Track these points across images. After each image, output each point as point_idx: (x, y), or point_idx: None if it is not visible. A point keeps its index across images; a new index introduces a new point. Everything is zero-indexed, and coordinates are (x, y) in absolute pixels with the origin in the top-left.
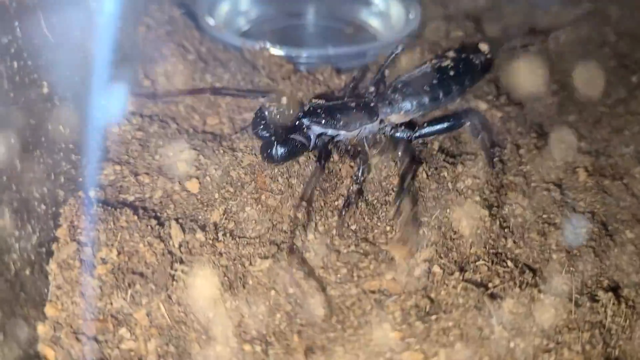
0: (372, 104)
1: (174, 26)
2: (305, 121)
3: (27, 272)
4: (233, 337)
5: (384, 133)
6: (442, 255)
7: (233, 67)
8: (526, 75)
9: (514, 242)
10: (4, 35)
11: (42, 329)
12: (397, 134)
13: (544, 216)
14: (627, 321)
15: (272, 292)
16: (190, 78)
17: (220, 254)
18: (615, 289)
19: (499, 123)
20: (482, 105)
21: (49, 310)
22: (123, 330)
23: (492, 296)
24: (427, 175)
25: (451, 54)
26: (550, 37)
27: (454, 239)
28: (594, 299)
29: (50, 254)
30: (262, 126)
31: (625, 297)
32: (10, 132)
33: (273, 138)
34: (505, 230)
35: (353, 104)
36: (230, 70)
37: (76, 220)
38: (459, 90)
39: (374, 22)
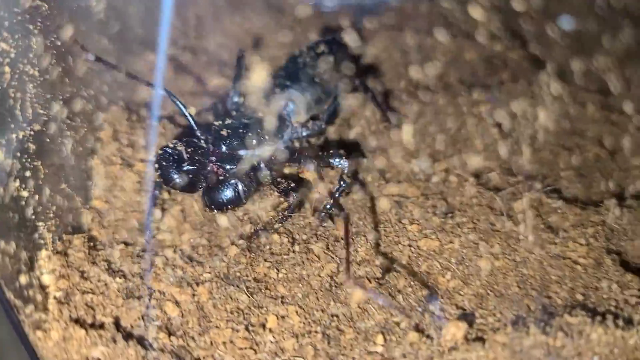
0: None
1: None
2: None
3: (79, 165)
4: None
5: (297, 137)
6: (457, 166)
7: (259, 8)
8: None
9: (527, 160)
10: None
11: (88, 216)
12: (309, 132)
13: (555, 140)
14: (630, 225)
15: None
16: (218, 21)
17: None
18: (620, 196)
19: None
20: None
21: (94, 201)
22: (161, 223)
23: (503, 198)
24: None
25: (319, 39)
26: None
27: (469, 153)
28: (598, 204)
29: (95, 152)
30: (181, 169)
31: (628, 205)
32: None
33: (221, 179)
34: (515, 148)
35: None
36: (256, 11)
37: (118, 125)
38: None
39: None
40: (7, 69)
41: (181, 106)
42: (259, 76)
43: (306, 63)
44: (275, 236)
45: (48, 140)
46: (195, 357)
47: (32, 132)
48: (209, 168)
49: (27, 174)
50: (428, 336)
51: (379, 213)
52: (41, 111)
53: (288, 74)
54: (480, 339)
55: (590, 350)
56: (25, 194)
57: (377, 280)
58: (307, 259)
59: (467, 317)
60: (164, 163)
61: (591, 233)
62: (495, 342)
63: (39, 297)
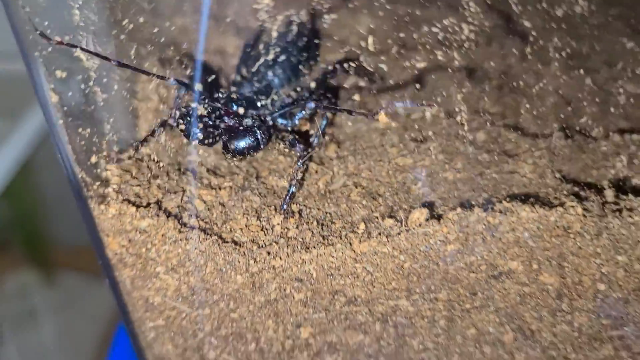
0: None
1: None
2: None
3: (126, 99)
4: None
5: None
6: (433, 109)
7: None
8: None
9: (492, 103)
10: None
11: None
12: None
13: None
14: (572, 152)
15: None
16: None
17: None
18: (566, 130)
19: None
20: None
21: (138, 127)
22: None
23: (469, 130)
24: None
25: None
26: None
27: (444, 97)
28: (547, 136)
29: (137, 91)
30: (200, 126)
31: (573, 138)
32: None
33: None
34: (483, 94)
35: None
36: None
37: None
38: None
39: None
40: (76, 11)
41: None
42: None
43: (280, 44)
44: (281, 157)
45: (104, 74)
46: (219, 235)
47: (94, 64)
48: (225, 123)
49: (90, 97)
50: (398, 220)
51: (366, 140)
52: (99, 48)
53: (269, 55)
54: (437, 218)
55: (521, 226)
56: (88, 108)
57: (362, 186)
58: (306, 172)
59: (428, 205)
60: (186, 120)
61: (537, 156)
62: (448, 219)
63: (103, 175)
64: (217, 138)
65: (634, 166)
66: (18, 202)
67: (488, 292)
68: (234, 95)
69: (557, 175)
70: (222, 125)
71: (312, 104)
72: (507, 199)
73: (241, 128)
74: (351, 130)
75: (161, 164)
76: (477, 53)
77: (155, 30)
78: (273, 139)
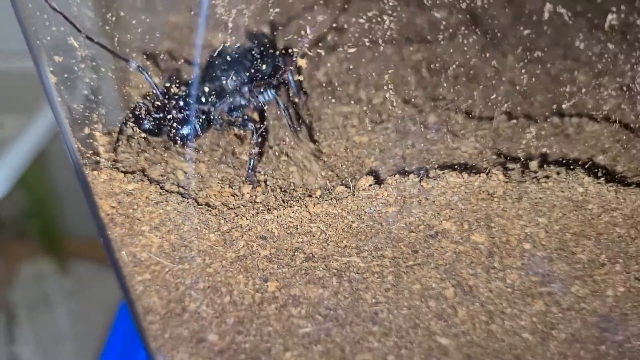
0: None
1: None
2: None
3: (116, 83)
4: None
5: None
6: (392, 95)
7: None
8: None
9: (447, 90)
10: None
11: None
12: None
13: (473, 73)
14: (514, 132)
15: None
16: None
17: None
18: (510, 113)
19: None
20: None
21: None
22: None
23: (422, 112)
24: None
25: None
26: None
27: (406, 85)
28: (492, 118)
29: (128, 79)
30: (150, 119)
31: (516, 120)
32: None
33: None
34: (439, 82)
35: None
36: None
37: (145, 64)
38: None
39: None
40: (75, 9)
41: (148, 77)
42: None
43: (239, 52)
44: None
45: (100, 62)
46: (195, 199)
47: (90, 53)
48: (171, 115)
49: (86, 80)
50: (348, 187)
51: (330, 122)
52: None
53: (225, 61)
54: (379, 184)
55: (450, 190)
56: (85, 90)
57: (323, 160)
58: (264, 145)
59: (373, 174)
60: (137, 113)
61: (481, 135)
62: (387, 184)
63: (95, 145)
64: (163, 128)
65: (562, 141)
66: (34, 195)
67: (427, 250)
68: (181, 92)
69: (494, 150)
70: (167, 117)
71: (246, 88)
72: (439, 168)
73: (181, 118)
74: (317, 114)
75: (148, 140)
76: (438, 46)
77: (144, 25)
78: (226, 126)
